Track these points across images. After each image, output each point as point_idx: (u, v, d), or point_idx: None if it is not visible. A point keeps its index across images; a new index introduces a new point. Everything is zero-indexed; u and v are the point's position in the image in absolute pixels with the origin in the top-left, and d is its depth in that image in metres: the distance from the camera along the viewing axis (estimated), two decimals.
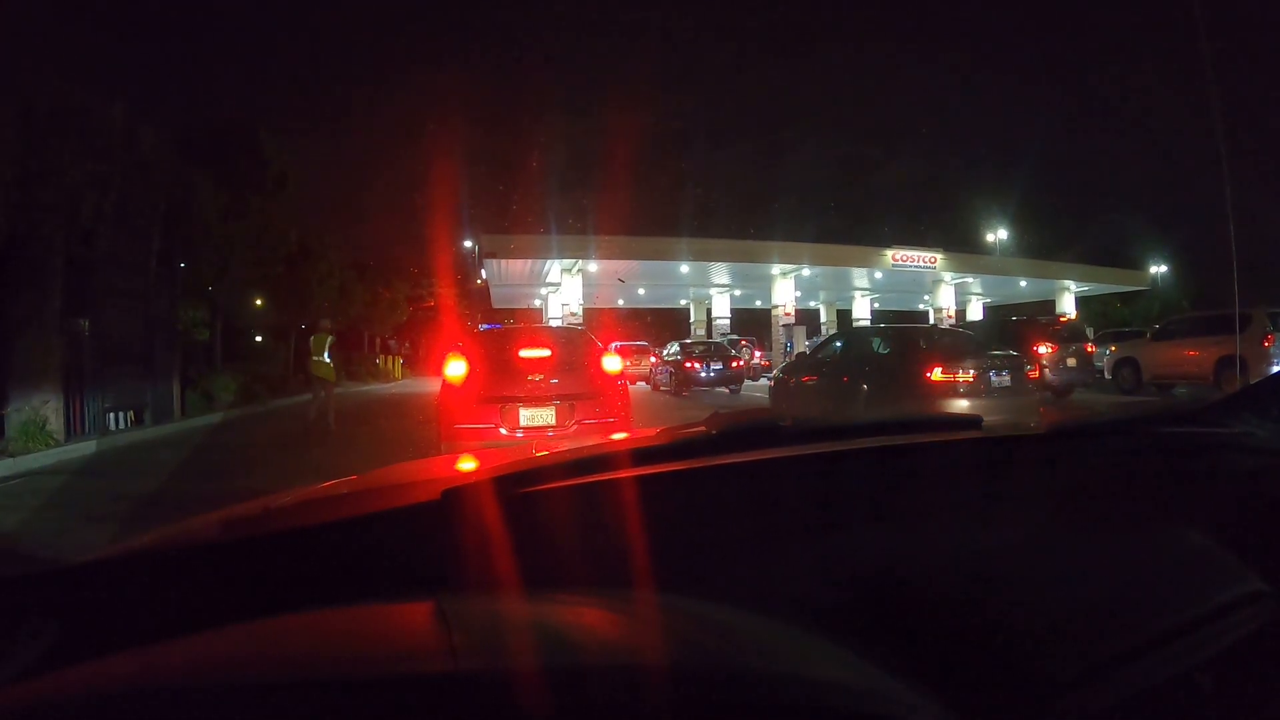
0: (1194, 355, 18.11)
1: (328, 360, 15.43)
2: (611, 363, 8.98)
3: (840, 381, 12.70)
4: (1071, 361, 18.84)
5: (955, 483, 1.41)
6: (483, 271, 37.66)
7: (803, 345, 34.00)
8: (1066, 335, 20.05)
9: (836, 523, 1.23)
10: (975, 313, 44.48)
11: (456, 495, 1.05)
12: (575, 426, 8.18)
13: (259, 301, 31.52)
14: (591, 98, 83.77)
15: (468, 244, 40.49)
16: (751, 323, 42.60)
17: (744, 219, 44.43)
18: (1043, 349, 18.34)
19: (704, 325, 42.24)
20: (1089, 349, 20.21)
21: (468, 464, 1.56)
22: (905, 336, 13.84)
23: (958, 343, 12.88)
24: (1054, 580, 1.18)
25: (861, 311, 43.33)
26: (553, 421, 8.16)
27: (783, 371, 15.95)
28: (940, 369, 11.11)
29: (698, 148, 75.93)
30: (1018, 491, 1.43)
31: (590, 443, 1.74)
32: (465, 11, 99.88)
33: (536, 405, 8.19)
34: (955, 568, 1.16)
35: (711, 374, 24.95)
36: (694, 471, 1.24)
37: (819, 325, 45.14)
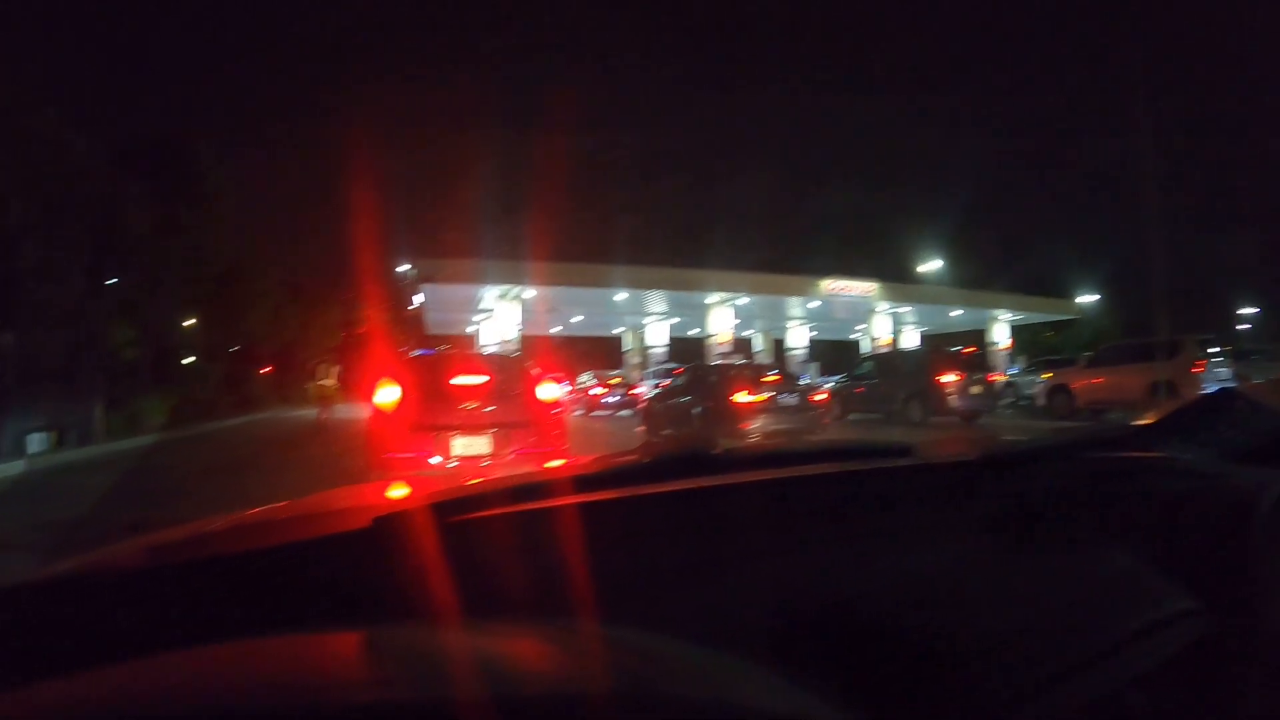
0: (1126, 382, 18.98)
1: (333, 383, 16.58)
2: (548, 390, 9.04)
3: (683, 404, 17.15)
4: (976, 389, 20.89)
5: (887, 509, 1.48)
6: (417, 296, 38.66)
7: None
8: (973, 365, 22.61)
9: (770, 550, 1.26)
10: (910, 341, 46.57)
11: (388, 523, 1.06)
12: (511, 455, 8.22)
13: (190, 321, 31.70)
14: (529, 125, 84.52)
15: (403, 268, 40.85)
16: (688, 352, 43.52)
17: (680, 248, 45.47)
18: (949, 377, 20.12)
19: (640, 354, 43.10)
20: (990, 378, 21.99)
21: (400, 491, 1.63)
22: (724, 368, 18.69)
23: (762, 372, 17.59)
24: (987, 603, 1.23)
25: (796, 340, 44.95)
26: (487, 450, 8.21)
27: (650, 398, 20.70)
28: (743, 392, 15.54)
29: (635, 177, 77.29)
30: (950, 517, 1.50)
31: (524, 471, 1.78)
32: (405, 36, 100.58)
33: (471, 433, 8.25)
34: (889, 592, 1.20)
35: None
36: (628, 500, 1.26)
37: (753, 354, 46.40)
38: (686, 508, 1.31)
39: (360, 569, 1.03)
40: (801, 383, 18.77)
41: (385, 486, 1.73)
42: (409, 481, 1.96)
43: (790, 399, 16.19)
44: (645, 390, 33.91)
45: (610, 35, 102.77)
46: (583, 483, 1.29)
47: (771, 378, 17.03)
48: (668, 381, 20.17)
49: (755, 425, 15.27)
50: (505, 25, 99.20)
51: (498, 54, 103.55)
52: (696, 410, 16.55)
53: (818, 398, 17.42)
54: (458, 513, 1.11)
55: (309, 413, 37.26)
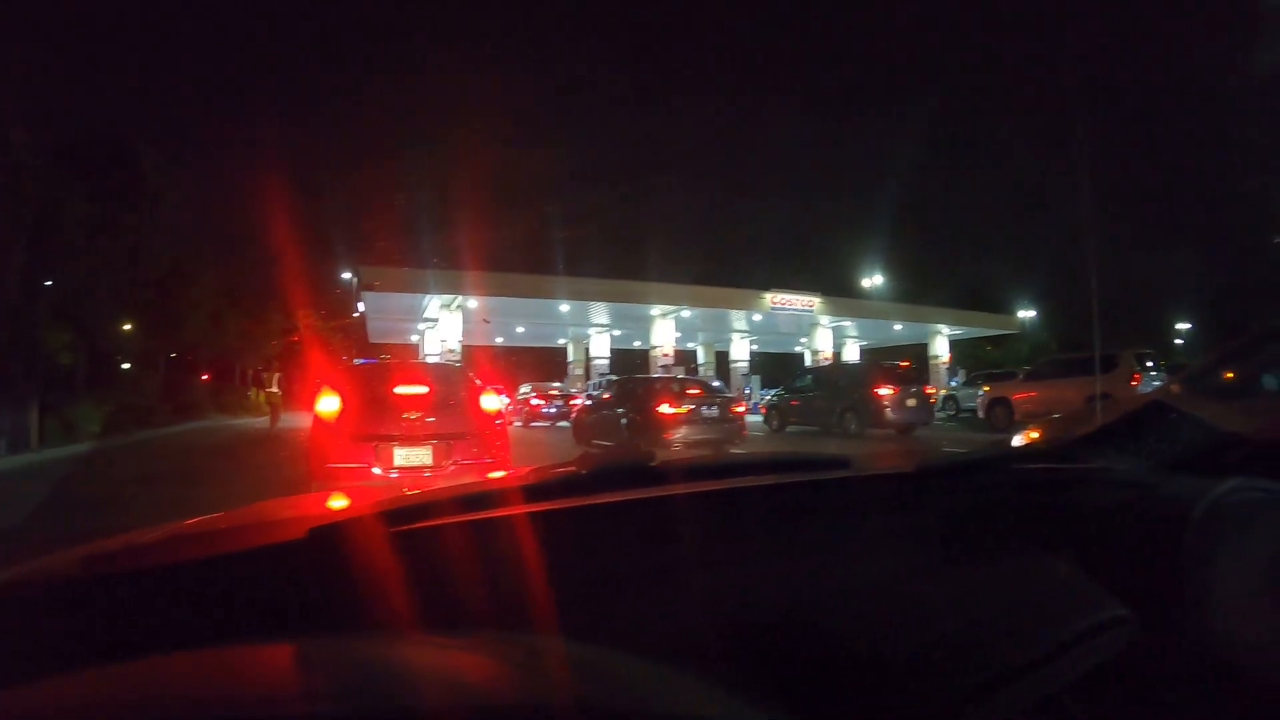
0: (1064, 395, 19.29)
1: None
2: (490, 401, 9.04)
3: (611, 414, 18.47)
4: (911, 402, 21.83)
5: (827, 520, 1.50)
6: (360, 304, 38.47)
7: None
8: (908, 378, 23.50)
9: (712, 561, 1.26)
10: (852, 354, 47.47)
11: (323, 534, 1.05)
12: (453, 466, 8.19)
13: (128, 326, 31.45)
14: (475, 137, 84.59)
15: (346, 275, 40.56)
16: (630, 363, 43.83)
17: (623, 260, 45.87)
18: (885, 390, 20.86)
19: (583, 365, 43.36)
20: (926, 391, 22.64)
21: (339, 502, 1.61)
22: (649, 382, 20.25)
23: (685, 386, 18.55)
24: (926, 611, 1.24)
25: (740, 353, 45.71)
26: (429, 461, 8.16)
27: (580, 410, 21.93)
28: (666, 405, 16.79)
29: (580, 190, 77.60)
30: (889, 527, 1.53)
31: (465, 481, 1.76)
32: (352, 44, 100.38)
33: (412, 444, 8.17)
34: (830, 602, 1.22)
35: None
36: (571, 510, 1.26)
37: (697, 366, 46.97)
38: (630, 519, 1.31)
39: (295, 580, 1.03)
40: (726, 395, 19.92)
41: (325, 497, 1.76)
42: (348, 492, 2.01)
43: (711, 411, 17.32)
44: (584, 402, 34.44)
45: (557, 48, 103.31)
46: (526, 493, 1.29)
47: (694, 391, 18.01)
48: (604, 394, 20.86)
49: (678, 435, 16.41)
50: (453, 36, 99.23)
51: (445, 66, 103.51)
52: (623, 421, 17.73)
53: (737, 410, 18.49)
54: (396, 523, 1.11)
55: (248, 421, 36.98)
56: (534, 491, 1.31)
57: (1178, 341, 51.28)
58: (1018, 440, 7.76)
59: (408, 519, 1.13)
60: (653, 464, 1.51)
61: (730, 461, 1.80)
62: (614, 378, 25.95)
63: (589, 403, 21.84)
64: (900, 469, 1.74)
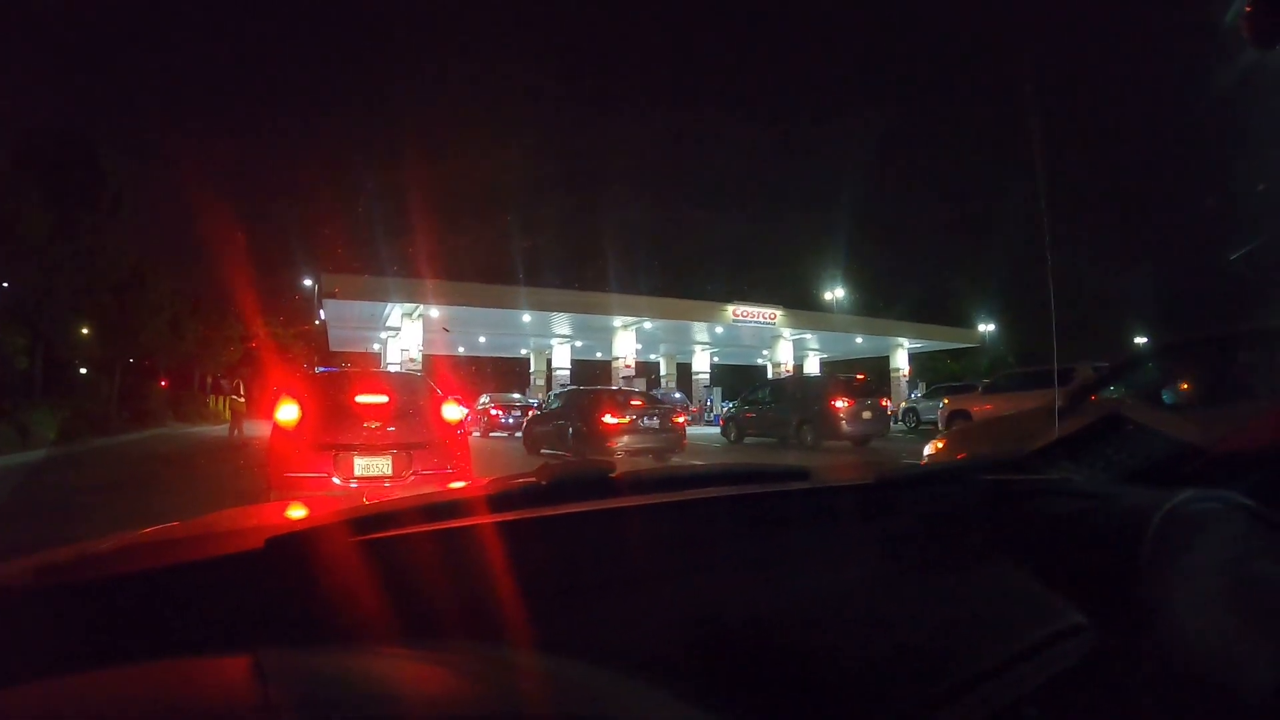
0: (1022, 407, 18.99)
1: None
2: (451, 411, 9.02)
3: (559, 424, 19.50)
4: (867, 415, 22.30)
5: (784, 531, 1.49)
6: (321, 312, 38.42)
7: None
8: (864, 391, 23.92)
9: (671, 572, 1.27)
10: (813, 367, 48.31)
11: (280, 544, 1.04)
12: (413, 476, 8.16)
13: (85, 331, 31.18)
14: (438, 145, 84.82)
15: (307, 282, 40.40)
16: (592, 374, 44.13)
17: (585, 271, 46.10)
18: (841, 403, 21.36)
19: (545, 375, 43.62)
20: (883, 403, 23.08)
21: (298, 511, 1.60)
22: (594, 393, 20.70)
23: (628, 397, 19.87)
24: (883, 622, 1.25)
25: (701, 365, 46.40)
26: (389, 471, 8.13)
27: (530, 420, 23.27)
28: (609, 415, 17.85)
29: (544, 201, 77.87)
30: (846, 538, 1.52)
31: (423, 491, 1.75)
32: (312, 49, 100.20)
33: (372, 454, 8.13)
34: (790, 613, 1.23)
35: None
36: (531, 520, 1.26)
37: (659, 378, 47.41)
38: (594, 529, 1.30)
39: (251, 592, 1.01)
40: (666, 407, 20.65)
41: (283, 507, 1.74)
42: (307, 502, 2.00)
43: (652, 421, 18.41)
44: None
45: (518, 58, 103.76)
46: (486, 503, 1.28)
47: (636, 402, 19.13)
48: (553, 405, 21.96)
49: (620, 444, 17.44)
50: (415, 44, 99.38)
51: (408, 74, 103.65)
52: (570, 431, 18.75)
53: (677, 420, 19.51)
54: (355, 533, 1.09)
55: (206, 429, 36.67)
56: (494, 501, 1.31)
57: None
58: (927, 450, 8.32)
59: (368, 528, 1.12)
60: (613, 475, 1.49)
61: (691, 473, 1.74)
62: (570, 389, 26.45)
63: (539, 413, 22.80)
64: (859, 480, 1.76)
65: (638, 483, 1.54)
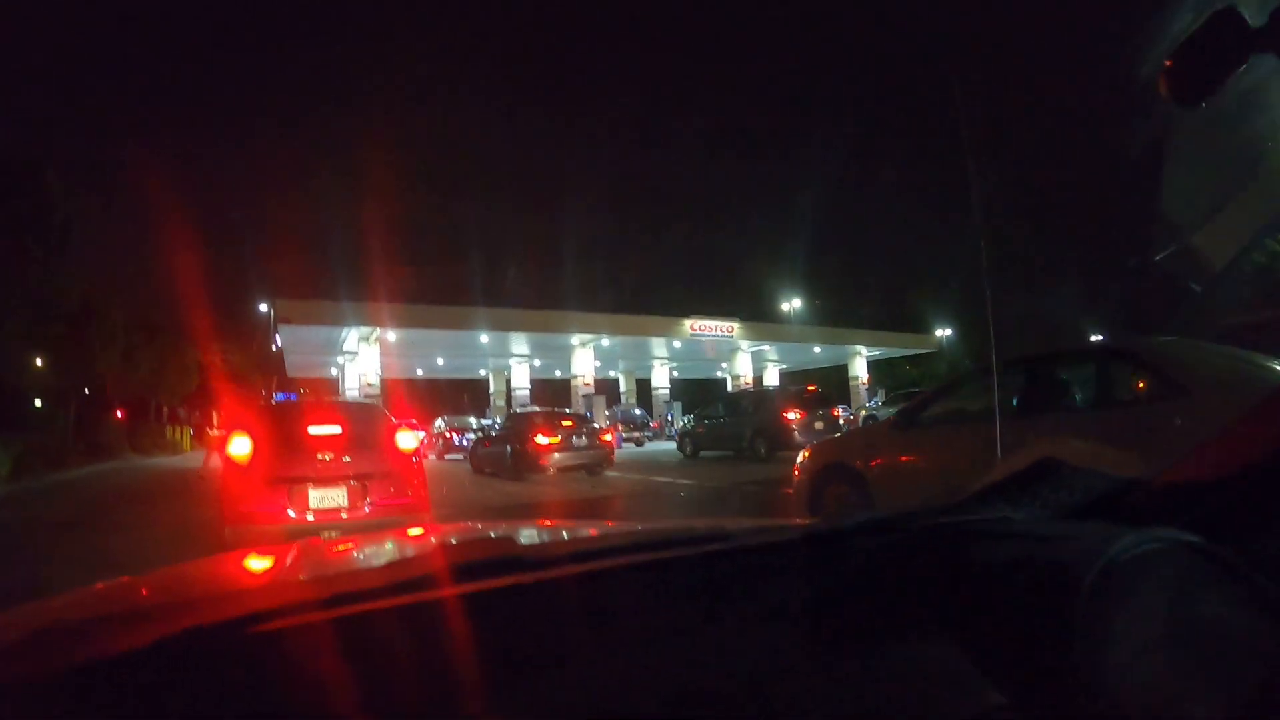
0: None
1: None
2: (406, 439, 8.98)
3: (500, 446, 21.36)
4: (819, 425, 23.03)
5: (703, 599, 1.42)
6: (278, 338, 38.11)
7: (604, 414, 37.21)
8: (816, 401, 25.17)
9: (575, 652, 1.21)
10: (773, 378, 48.88)
11: (173, 643, 0.99)
12: (369, 508, 8.13)
13: (39, 362, 30.93)
14: (390, 166, 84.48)
15: (264, 308, 40.19)
16: (552, 393, 44.42)
17: (542, 290, 46.45)
18: (793, 414, 22.03)
19: (504, 396, 43.86)
20: (834, 413, 23.76)
21: (247, 567, 1.64)
22: (530, 416, 22.49)
23: (559, 419, 21.41)
24: (799, 704, 1.22)
25: (661, 380, 46.77)
26: (345, 503, 8.07)
27: (475, 443, 25.02)
28: (542, 436, 19.60)
29: (498, 220, 78.06)
30: (766, 605, 1.44)
31: (313, 575, 1.72)
32: (266, 72, 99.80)
33: (327, 486, 8.07)
34: (707, 689, 1.20)
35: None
36: (431, 603, 1.18)
37: (619, 394, 47.84)
38: (493, 610, 1.21)
39: (144, 690, 0.97)
40: (594, 426, 22.90)
41: (224, 566, 1.75)
42: (262, 552, 2.03)
43: (581, 440, 20.42)
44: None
45: (473, 77, 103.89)
46: (386, 587, 1.20)
47: (567, 423, 20.91)
48: (495, 429, 24.31)
49: (553, 461, 19.50)
50: (368, 63, 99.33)
51: (362, 94, 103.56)
52: (509, 451, 20.49)
53: (605, 438, 21.73)
54: (247, 626, 1.05)
55: (164, 460, 36.45)
56: (395, 589, 1.21)
57: None
58: (800, 458, 9.02)
59: (262, 620, 1.07)
60: (516, 551, 1.43)
61: (603, 544, 1.67)
62: (511, 413, 28.91)
63: (483, 436, 24.77)
64: (787, 537, 1.66)
65: (553, 558, 1.43)
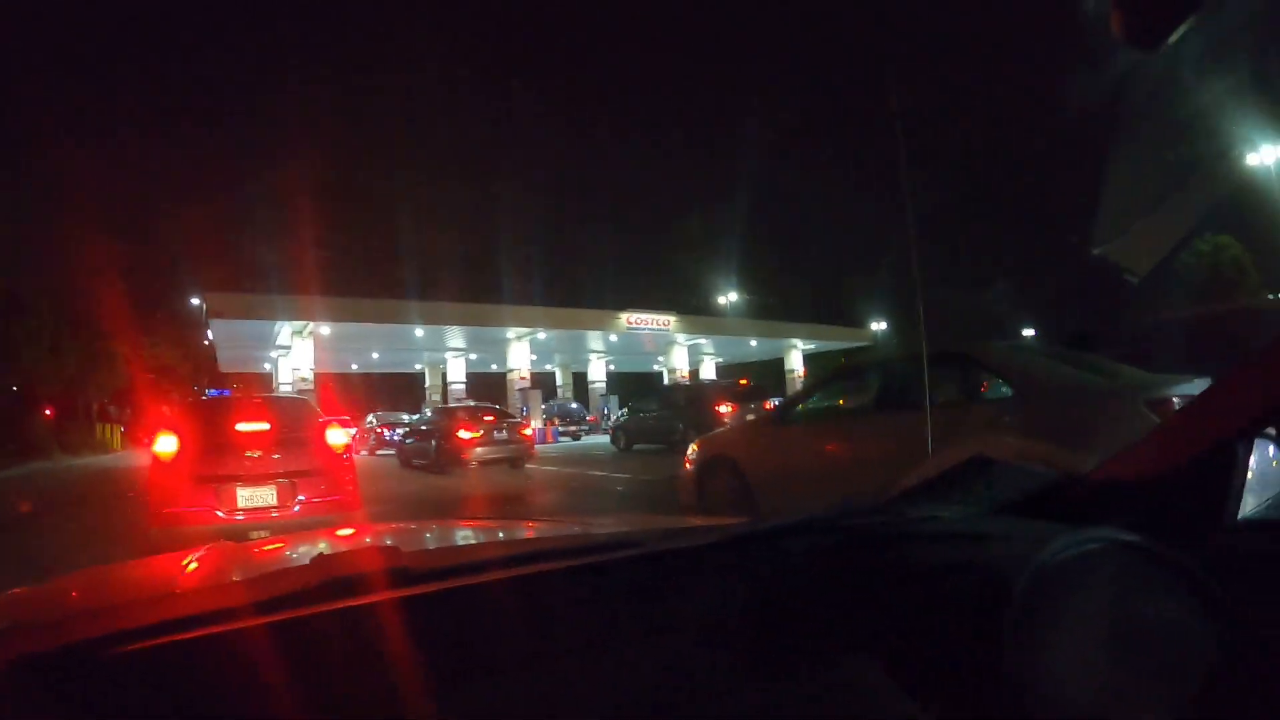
0: None
1: None
2: (336, 436, 8.95)
3: (425, 441, 22.46)
4: (751, 418, 22.76)
5: (609, 612, 1.34)
6: (209, 332, 37.92)
7: (539, 409, 37.78)
8: (748, 395, 25.70)
9: (461, 673, 1.14)
10: (709, 371, 49.42)
11: (26, 664, 0.96)
12: (299, 506, 8.10)
13: None
14: (320, 157, 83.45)
15: (195, 302, 39.72)
16: (489, 387, 44.50)
17: (478, 282, 46.38)
18: (724, 408, 22.52)
19: (440, 390, 43.89)
20: (766, 405, 24.24)
21: (146, 574, 1.60)
22: (453, 411, 24.24)
23: (481, 413, 22.54)
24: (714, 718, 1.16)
25: (597, 374, 47.12)
26: (274, 502, 8.04)
27: (402, 437, 25.95)
28: (463, 430, 20.69)
29: (435, 215, 77.62)
30: (675, 617, 1.36)
31: (200, 588, 1.64)
32: (191, 60, 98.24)
33: (255, 484, 8.03)
34: (607, 709, 1.14)
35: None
36: (294, 621, 1.10)
37: (555, 388, 48.02)
38: (365, 627, 1.12)
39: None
40: (515, 420, 23.68)
41: (133, 572, 1.71)
42: (179, 557, 1.96)
43: (502, 434, 21.40)
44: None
45: (400, 63, 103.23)
46: (252, 605, 1.12)
47: (489, 418, 21.93)
48: (422, 423, 24.70)
49: (474, 455, 20.42)
50: (294, 52, 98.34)
51: (292, 81, 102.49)
52: (433, 444, 21.66)
53: (524, 432, 22.86)
54: (111, 646, 1.00)
55: (93, 459, 35.84)
56: (261, 604, 1.13)
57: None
58: (689, 451, 9.54)
59: (127, 640, 1.01)
60: (396, 563, 1.28)
61: (497, 555, 1.47)
62: (436, 408, 29.56)
63: (411, 431, 25.43)
64: (697, 541, 1.57)
65: (438, 571, 1.33)
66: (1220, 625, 1.26)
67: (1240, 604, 1.28)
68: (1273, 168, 28.11)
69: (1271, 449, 1.82)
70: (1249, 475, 1.56)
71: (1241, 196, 31.31)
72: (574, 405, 42.77)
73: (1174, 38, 1.45)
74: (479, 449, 20.60)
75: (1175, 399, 5.94)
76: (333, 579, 1.19)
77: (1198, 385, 6.39)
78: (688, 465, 9.75)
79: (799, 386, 46.96)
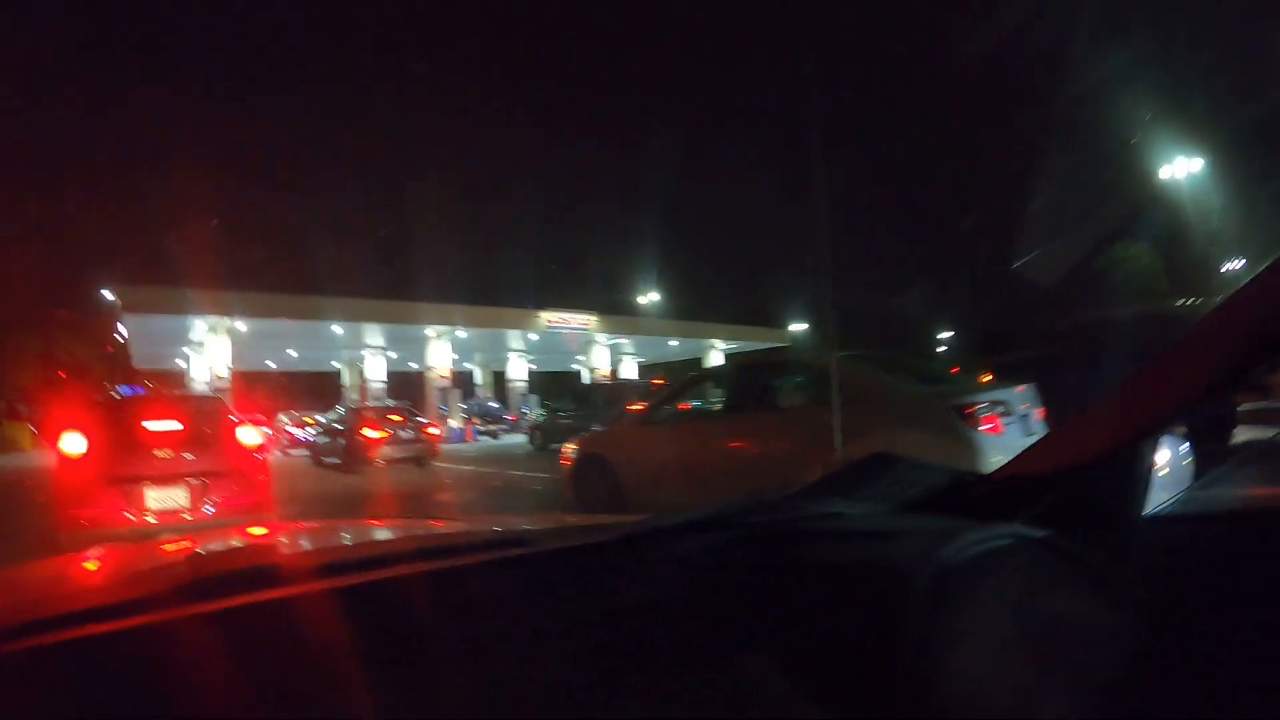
0: None
1: None
2: (249, 435, 8.85)
3: (335, 440, 23.30)
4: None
5: (486, 616, 1.24)
6: (121, 327, 37.24)
7: (458, 408, 37.66)
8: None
9: (332, 682, 1.04)
10: (630, 371, 50.04)
11: None
12: (211, 508, 7.98)
13: None
14: (235, 151, 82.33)
15: (107, 296, 39.00)
16: (408, 386, 44.39)
17: (396, 280, 46.21)
18: (638, 407, 22.93)
19: (359, 389, 43.68)
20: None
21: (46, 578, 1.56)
22: (361, 411, 25.11)
23: (388, 412, 23.83)
24: None
25: (518, 372, 47.04)
26: (185, 504, 7.89)
27: (315, 436, 27.33)
28: (370, 429, 21.74)
29: (349, 209, 77.09)
30: (559, 620, 1.27)
31: (85, 586, 1.59)
32: (100, 45, 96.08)
33: (165, 485, 7.86)
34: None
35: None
36: (163, 625, 1.03)
37: (474, 388, 48.08)
38: (241, 630, 1.05)
39: None
40: (420, 420, 24.67)
41: (44, 571, 1.68)
42: (84, 559, 1.91)
43: (408, 433, 22.66)
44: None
45: (321, 50, 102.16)
46: (122, 605, 1.05)
47: (396, 418, 23.20)
48: (334, 422, 25.44)
49: (381, 454, 21.37)
50: (214, 36, 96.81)
51: (203, 71, 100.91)
52: (341, 443, 22.14)
53: (430, 431, 24.07)
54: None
55: (3, 459, 35.21)
56: (132, 604, 1.07)
57: (940, 349, 55.07)
58: (569, 448, 10.07)
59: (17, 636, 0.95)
60: (274, 561, 1.28)
61: (374, 553, 1.43)
62: (348, 408, 29.28)
63: (323, 429, 26.39)
64: (585, 540, 1.55)
65: (319, 568, 1.27)
66: (1128, 619, 1.27)
67: (1148, 598, 1.32)
68: (1183, 182, 29.46)
69: (1181, 446, 1.93)
70: (1159, 471, 1.57)
71: (1156, 208, 32.75)
72: (493, 404, 43.19)
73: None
74: (385, 448, 21.60)
75: (979, 405, 6.93)
76: (201, 579, 1.15)
77: (1005, 394, 7.32)
78: (566, 464, 10.42)
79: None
